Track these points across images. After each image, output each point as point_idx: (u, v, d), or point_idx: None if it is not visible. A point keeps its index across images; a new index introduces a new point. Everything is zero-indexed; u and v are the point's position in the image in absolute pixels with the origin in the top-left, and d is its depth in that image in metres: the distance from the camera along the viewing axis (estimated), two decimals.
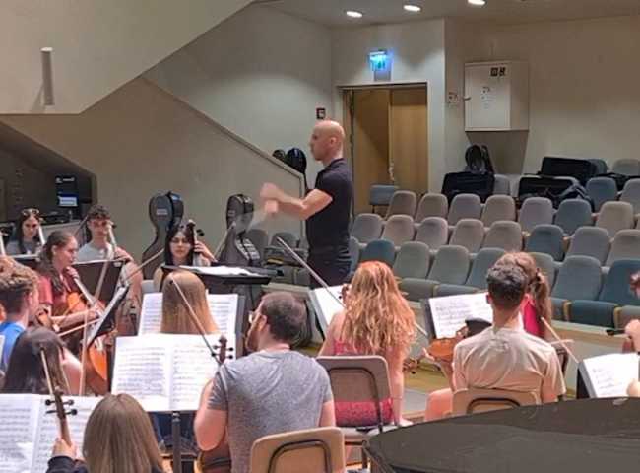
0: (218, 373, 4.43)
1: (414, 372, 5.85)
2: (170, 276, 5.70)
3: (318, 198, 7.18)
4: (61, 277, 7.18)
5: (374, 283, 5.65)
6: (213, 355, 4.81)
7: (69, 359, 4.97)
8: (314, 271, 6.66)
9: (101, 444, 3.49)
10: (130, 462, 3.49)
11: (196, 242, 7.84)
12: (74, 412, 3.99)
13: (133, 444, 3.50)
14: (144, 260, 8.75)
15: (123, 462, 3.48)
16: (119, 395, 3.65)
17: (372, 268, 5.71)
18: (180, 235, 7.71)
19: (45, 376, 4.36)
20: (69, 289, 7.16)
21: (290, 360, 4.51)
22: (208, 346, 5.04)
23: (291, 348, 4.60)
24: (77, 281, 7.12)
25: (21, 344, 4.54)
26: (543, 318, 5.78)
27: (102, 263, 7.42)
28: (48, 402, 4.02)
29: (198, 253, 7.83)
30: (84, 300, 7.00)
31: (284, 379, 4.43)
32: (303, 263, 7.03)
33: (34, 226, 8.64)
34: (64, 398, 4.02)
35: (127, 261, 8.02)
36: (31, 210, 8.83)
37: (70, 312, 6.76)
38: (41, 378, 4.40)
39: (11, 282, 5.49)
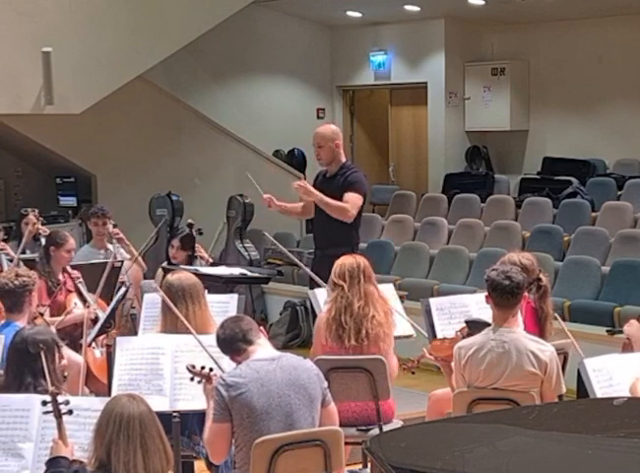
0: (216, 387, 4.40)
1: (413, 373, 5.83)
2: (169, 277, 5.70)
3: (359, 201, 7.11)
4: (60, 277, 7.15)
5: (350, 276, 5.57)
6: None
7: (70, 355, 4.97)
8: (327, 272, 6.62)
9: (132, 443, 3.56)
10: (162, 455, 3.63)
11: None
12: (70, 412, 3.99)
13: (157, 440, 3.63)
14: (143, 260, 8.74)
15: (154, 457, 3.60)
16: (130, 395, 3.68)
17: (348, 261, 5.63)
18: (175, 241, 7.68)
19: (42, 376, 4.36)
20: (70, 289, 7.13)
21: (287, 360, 4.49)
22: (203, 347, 5.04)
23: (292, 348, 4.59)
24: (78, 283, 7.09)
25: (18, 341, 4.53)
26: (558, 317, 5.80)
27: (103, 263, 7.39)
28: (44, 403, 4.01)
29: (196, 257, 7.81)
30: (84, 301, 6.97)
31: (284, 380, 4.41)
32: (298, 262, 7.03)
33: (34, 224, 8.59)
34: (60, 398, 4.01)
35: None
36: (30, 209, 8.80)
37: (68, 313, 6.75)
38: (39, 378, 4.39)
39: (16, 282, 5.51)
